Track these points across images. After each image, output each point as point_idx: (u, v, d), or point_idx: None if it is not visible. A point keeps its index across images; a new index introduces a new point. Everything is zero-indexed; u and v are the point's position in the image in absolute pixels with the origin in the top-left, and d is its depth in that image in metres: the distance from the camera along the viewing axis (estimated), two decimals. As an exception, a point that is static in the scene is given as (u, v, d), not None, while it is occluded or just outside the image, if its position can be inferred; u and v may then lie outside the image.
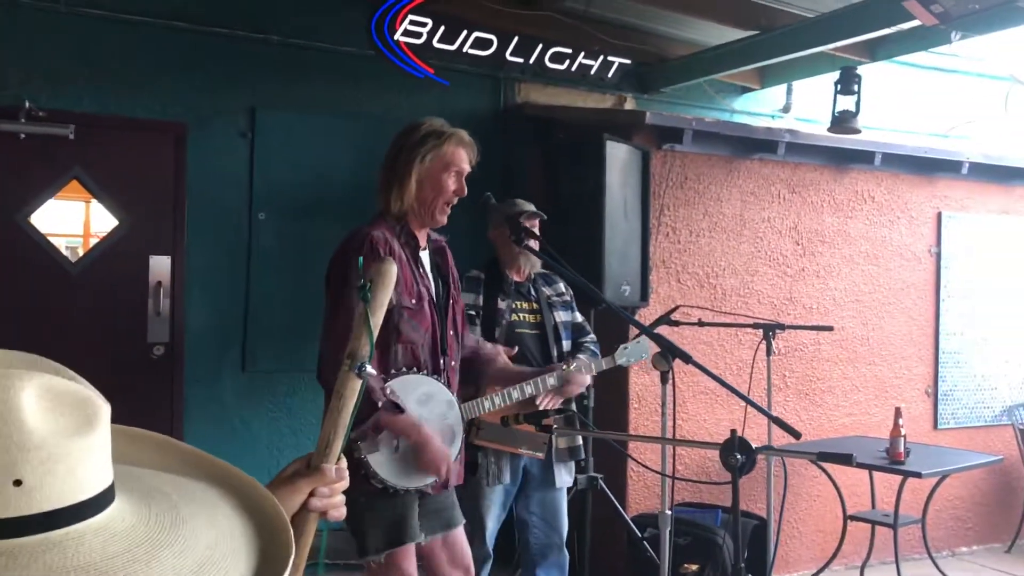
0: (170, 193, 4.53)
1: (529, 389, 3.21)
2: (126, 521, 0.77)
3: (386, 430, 2.56)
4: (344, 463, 1.20)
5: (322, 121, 4.82)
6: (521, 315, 3.58)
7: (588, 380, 3.46)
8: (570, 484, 3.61)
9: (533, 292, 3.64)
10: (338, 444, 1.19)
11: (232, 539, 0.84)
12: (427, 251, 2.78)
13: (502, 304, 3.53)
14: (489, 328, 3.47)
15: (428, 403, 2.66)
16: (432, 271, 2.79)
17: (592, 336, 3.76)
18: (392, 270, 1.25)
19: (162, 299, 4.49)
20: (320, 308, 2.63)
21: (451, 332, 2.78)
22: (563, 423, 2.62)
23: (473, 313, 3.46)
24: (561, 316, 3.67)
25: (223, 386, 4.63)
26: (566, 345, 3.64)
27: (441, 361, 2.72)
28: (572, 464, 3.61)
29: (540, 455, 3.44)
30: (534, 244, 3.29)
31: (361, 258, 1.76)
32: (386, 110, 4.93)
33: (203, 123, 4.58)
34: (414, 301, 2.63)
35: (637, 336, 3.62)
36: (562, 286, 3.74)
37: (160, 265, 4.51)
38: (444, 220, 2.72)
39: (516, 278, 3.60)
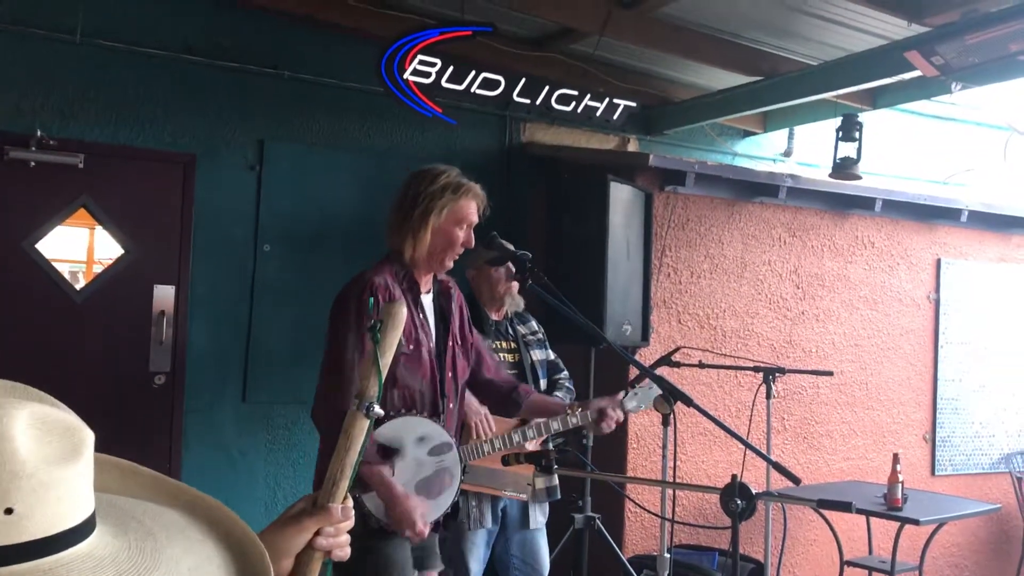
0: (176, 223, 4.55)
1: (531, 433, 3.19)
2: (107, 548, 0.78)
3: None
4: (350, 502, 1.20)
5: (328, 155, 4.86)
6: (501, 355, 3.57)
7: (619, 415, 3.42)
8: (543, 523, 3.60)
9: (511, 331, 3.64)
10: (344, 483, 1.20)
11: (210, 563, 0.85)
12: (430, 294, 2.79)
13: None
14: None
15: (425, 445, 2.66)
16: (435, 315, 2.79)
17: (565, 372, 3.76)
18: (402, 312, 1.27)
19: (165, 328, 4.50)
20: (322, 341, 2.66)
21: (449, 375, 2.78)
22: (561, 464, 2.61)
23: None
24: (537, 355, 3.67)
25: (223, 416, 4.62)
26: (543, 384, 3.63)
27: (440, 403, 2.72)
28: (547, 505, 3.59)
29: (524, 496, 3.42)
30: (515, 284, 3.33)
31: (372, 299, 1.78)
32: (392, 146, 4.97)
33: (212, 154, 4.62)
34: (411, 347, 2.64)
35: (639, 378, 3.54)
36: (535, 324, 3.74)
37: (164, 294, 4.52)
38: (451, 266, 2.75)
39: (495, 317, 3.59)
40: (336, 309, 2.62)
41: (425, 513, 2.60)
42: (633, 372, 4.25)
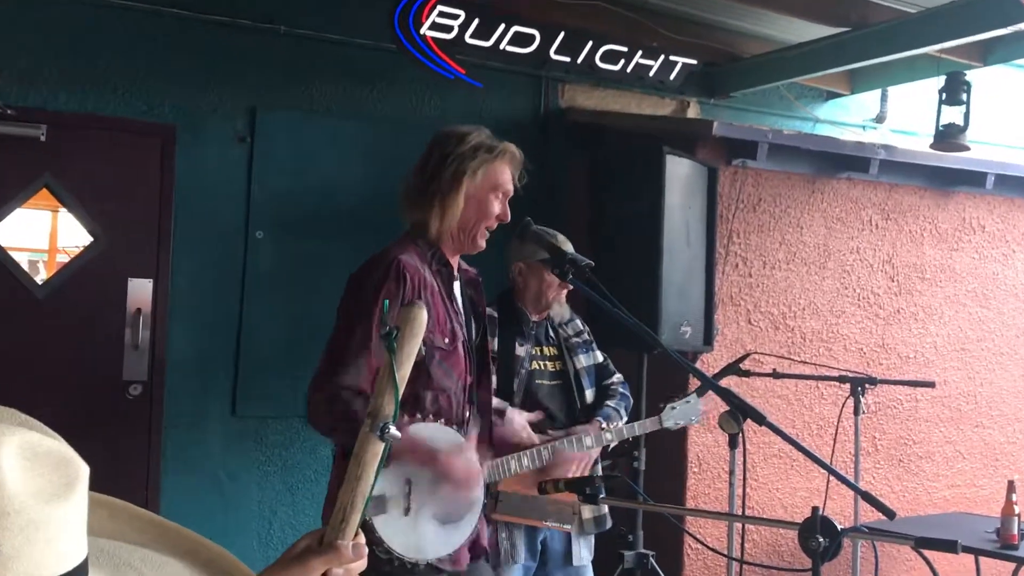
0: (154, 206, 4.57)
1: (565, 448, 3.25)
2: None
3: (395, 489, 2.57)
4: (362, 539, 1.22)
5: (332, 125, 4.87)
6: (542, 363, 3.60)
7: (593, 454, 3.44)
8: (588, 560, 3.61)
9: (552, 334, 3.67)
10: (356, 518, 1.21)
11: None
12: (459, 281, 2.81)
13: (520, 350, 3.54)
14: (506, 378, 3.48)
15: None
16: (465, 306, 2.81)
17: (618, 376, 3.77)
18: (423, 316, 1.28)
19: (141, 330, 4.52)
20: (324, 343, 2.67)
21: (483, 377, 2.82)
22: (608, 491, 2.60)
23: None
24: (582, 361, 3.70)
25: (209, 433, 4.65)
26: (589, 395, 3.65)
27: (467, 412, 2.74)
28: (592, 539, 3.62)
29: (568, 528, 3.43)
30: (564, 292, 3.43)
31: (387, 301, 1.80)
32: (406, 113, 4.98)
33: (195, 125, 4.64)
34: (447, 341, 2.65)
35: (700, 389, 3.62)
36: (579, 323, 3.76)
37: (140, 290, 4.54)
38: (483, 245, 2.76)
39: (534, 318, 3.63)
40: (350, 288, 2.65)
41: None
42: (694, 383, 4.23)
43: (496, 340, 3.48)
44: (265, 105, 4.76)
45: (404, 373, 1.26)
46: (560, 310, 3.62)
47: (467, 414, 2.73)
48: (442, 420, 2.64)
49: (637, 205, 4.22)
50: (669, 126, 5.17)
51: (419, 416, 2.60)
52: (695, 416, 3.59)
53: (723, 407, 2.81)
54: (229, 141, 4.71)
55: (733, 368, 4.04)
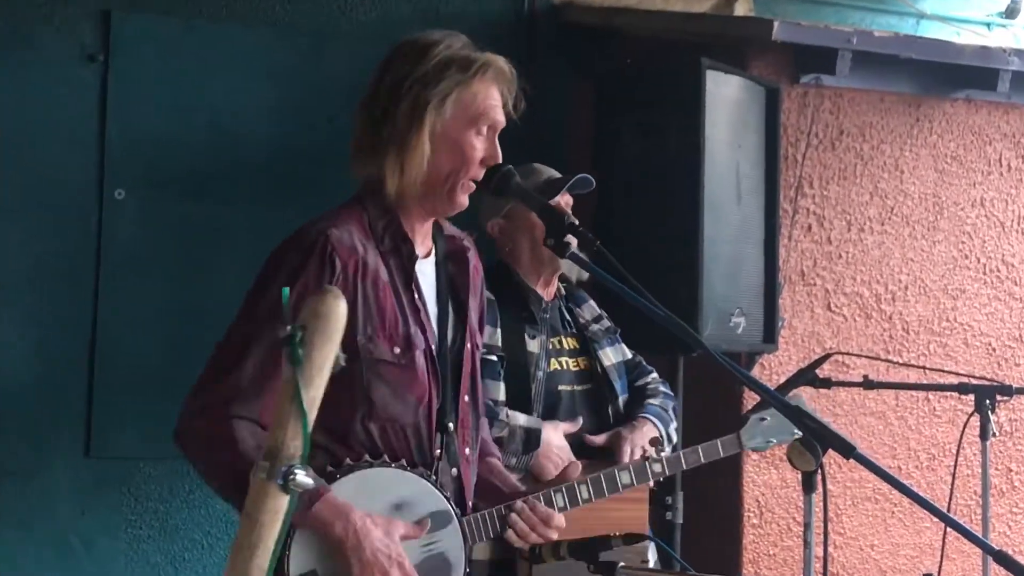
0: (-40, 156, 4.52)
1: (585, 493, 3.20)
2: None
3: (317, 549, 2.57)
4: None
5: (225, 37, 4.83)
6: (562, 360, 3.69)
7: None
8: None
9: (570, 318, 3.78)
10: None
11: None
12: (431, 258, 2.84)
13: (533, 343, 3.61)
14: (519, 386, 3.55)
15: (404, 515, 2.68)
16: (440, 294, 2.84)
17: (654, 374, 3.88)
18: (339, 309, 1.33)
19: (-54, 337, 4.50)
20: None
21: (465, 398, 2.84)
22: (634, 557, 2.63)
23: (494, 359, 3.54)
24: (610, 355, 3.79)
25: (53, 482, 4.60)
26: (621, 401, 3.73)
27: (438, 447, 2.75)
28: None
29: None
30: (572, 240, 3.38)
31: (287, 290, 1.79)
32: (332, 19, 4.95)
33: (20, 37, 4.59)
34: (398, 350, 2.67)
35: (760, 405, 3.64)
36: (594, 305, 3.87)
37: (-58, 277, 4.51)
38: (464, 202, 2.77)
39: (545, 296, 3.71)
40: (259, 280, 2.68)
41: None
42: (751, 397, 4.26)
43: (498, 333, 3.57)
44: (123, 7, 4.70)
45: (314, 393, 1.30)
46: (572, 265, 3.55)
47: (436, 450, 2.74)
48: (386, 461, 2.65)
49: (665, 145, 4.26)
50: (710, 28, 5.10)
51: (348, 461, 2.61)
52: (791, 431, 3.53)
53: (795, 433, 2.94)
54: (72, 61, 4.65)
55: (807, 376, 4.02)
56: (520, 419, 3.41)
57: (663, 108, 4.28)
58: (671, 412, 3.71)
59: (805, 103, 4.81)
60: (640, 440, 3.52)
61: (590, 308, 3.84)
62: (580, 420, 3.52)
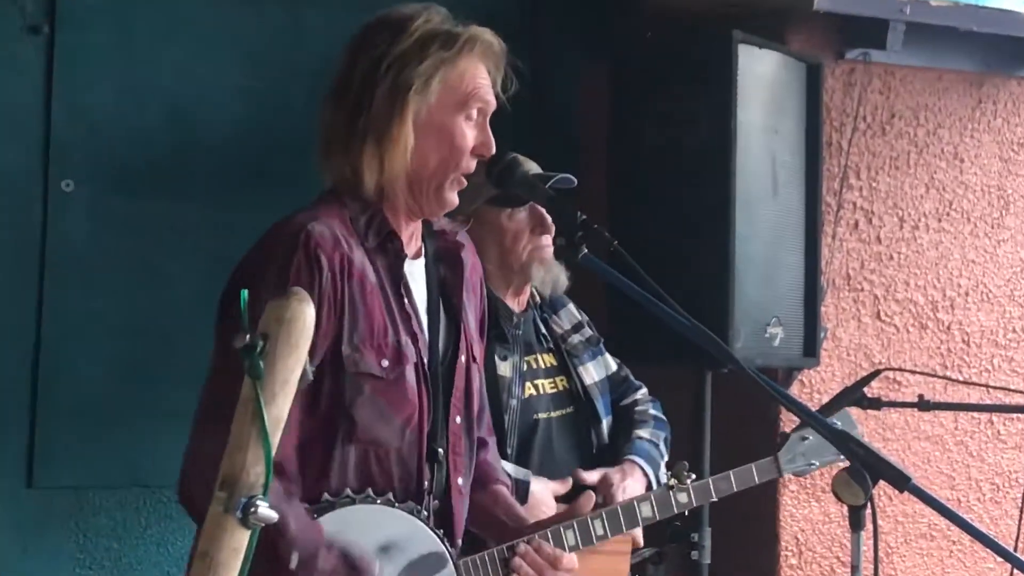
0: None
1: (600, 529, 3.24)
2: None
3: None
4: None
5: (187, 4, 4.79)
6: (539, 383, 3.69)
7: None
8: None
9: (545, 331, 3.79)
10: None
11: None
12: (422, 259, 2.85)
13: (504, 365, 3.61)
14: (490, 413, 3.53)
15: (393, 559, 2.69)
16: (433, 300, 2.85)
17: (643, 391, 3.92)
18: (306, 313, 1.35)
19: None
20: (186, 364, 2.72)
21: (457, 420, 2.83)
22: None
23: None
24: (591, 371, 3.81)
25: (-10, 516, 4.58)
26: (605, 426, 3.76)
27: (427, 477, 2.74)
28: None
29: None
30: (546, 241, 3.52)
31: (245, 292, 1.74)
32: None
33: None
34: (387, 363, 2.65)
35: (801, 427, 3.64)
36: (573, 308, 3.88)
37: None
38: (454, 200, 2.77)
39: (514, 307, 3.70)
40: (232, 290, 2.64)
41: None
42: (789, 420, 4.26)
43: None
44: (74, -27, 4.68)
45: (277, 412, 1.33)
46: (549, 274, 3.64)
47: (424, 482, 2.74)
48: (370, 495, 2.64)
49: (691, 131, 4.30)
50: None
51: (327, 497, 2.60)
52: (827, 457, 3.63)
53: (842, 462, 2.93)
54: (12, 33, 4.61)
55: (854, 395, 3.98)
56: (507, 468, 3.35)
57: (688, 89, 4.32)
58: (662, 446, 3.72)
59: (851, 82, 4.81)
60: (634, 488, 3.52)
61: (568, 315, 3.86)
62: (571, 480, 3.49)
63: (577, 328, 3.82)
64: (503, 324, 3.59)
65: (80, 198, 4.66)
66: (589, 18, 5.25)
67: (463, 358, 2.84)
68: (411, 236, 2.79)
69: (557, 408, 3.66)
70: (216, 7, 4.84)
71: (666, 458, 3.69)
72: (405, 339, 2.69)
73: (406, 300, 2.73)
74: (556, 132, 4.90)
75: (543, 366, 3.71)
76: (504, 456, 3.38)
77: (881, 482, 2.62)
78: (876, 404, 3.99)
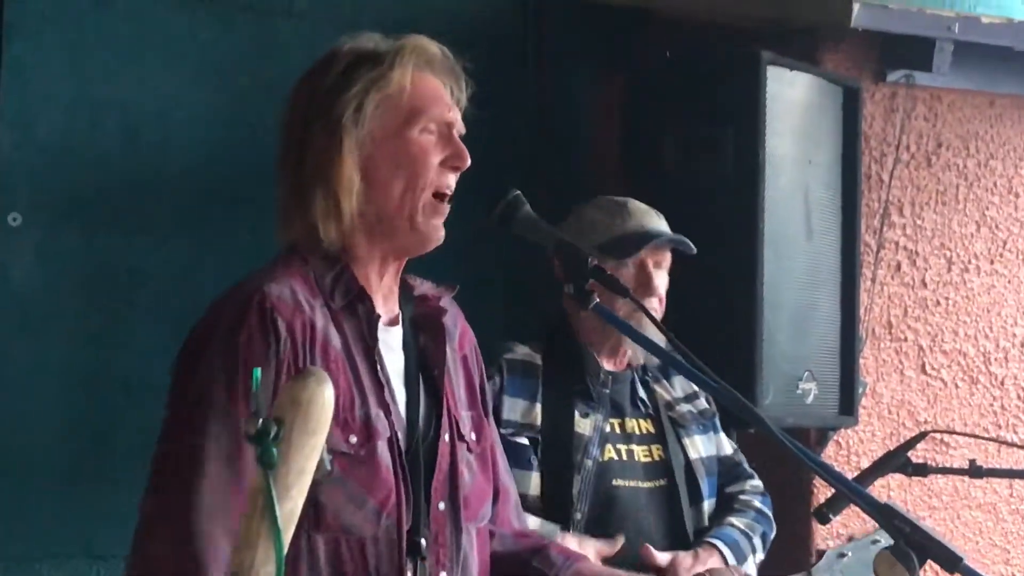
0: None
1: None
2: None
3: None
4: None
5: (148, 15, 4.70)
6: (625, 447, 3.66)
7: None
8: None
9: (645, 396, 3.77)
10: None
11: None
12: (399, 325, 2.77)
13: (585, 423, 3.58)
14: (558, 472, 3.54)
15: None
16: (411, 372, 2.76)
17: (755, 481, 3.91)
18: (326, 396, 1.42)
19: None
20: (150, 422, 2.50)
21: (440, 506, 2.71)
22: None
23: (525, 442, 3.56)
24: (699, 446, 3.79)
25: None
26: (707, 507, 3.75)
27: (408, 570, 2.63)
28: None
29: None
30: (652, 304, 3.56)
31: (258, 370, 1.78)
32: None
33: None
34: (355, 439, 2.56)
35: (835, 500, 3.44)
36: (686, 381, 3.87)
37: None
38: (439, 231, 2.70)
39: (611, 366, 3.68)
40: (184, 366, 2.58)
41: None
42: (823, 488, 4.14)
43: (538, 407, 3.59)
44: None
45: (292, 506, 1.37)
46: (639, 349, 3.60)
47: (406, 571, 2.65)
48: None
49: (715, 161, 4.29)
50: (772, 12, 4.99)
51: None
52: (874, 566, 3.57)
53: (879, 537, 3.10)
54: None
55: (897, 460, 3.75)
56: (531, 522, 3.22)
57: (712, 114, 4.29)
58: (757, 540, 3.66)
59: (893, 107, 4.75)
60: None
61: (683, 383, 3.84)
62: (620, 540, 3.36)
63: (690, 398, 3.82)
64: (589, 380, 3.61)
65: (28, 233, 4.54)
66: (599, 34, 5.16)
67: (446, 436, 2.72)
68: (385, 297, 2.73)
69: (647, 479, 3.63)
70: (181, 18, 4.77)
71: (760, 555, 3.66)
72: (376, 411, 2.59)
73: (378, 367, 2.64)
74: (562, 161, 4.84)
75: (636, 432, 3.69)
76: (567, 523, 3.40)
77: (928, 561, 2.45)
78: (923, 471, 3.80)
